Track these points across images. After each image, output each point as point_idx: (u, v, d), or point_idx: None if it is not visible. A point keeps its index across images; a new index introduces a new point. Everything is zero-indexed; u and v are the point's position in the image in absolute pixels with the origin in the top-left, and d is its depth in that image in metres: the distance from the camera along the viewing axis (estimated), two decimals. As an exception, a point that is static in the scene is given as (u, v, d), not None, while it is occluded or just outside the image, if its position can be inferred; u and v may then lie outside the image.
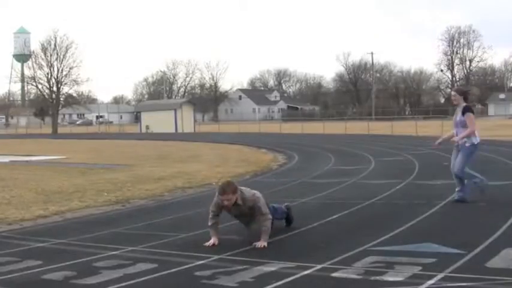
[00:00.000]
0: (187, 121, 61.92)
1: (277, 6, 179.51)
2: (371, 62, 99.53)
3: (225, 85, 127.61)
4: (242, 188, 6.94)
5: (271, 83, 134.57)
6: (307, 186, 9.92)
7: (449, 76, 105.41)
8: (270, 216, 6.80)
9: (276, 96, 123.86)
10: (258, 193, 7.00)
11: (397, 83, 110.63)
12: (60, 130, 70.65)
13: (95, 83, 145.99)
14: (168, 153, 24.59)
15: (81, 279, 5.37)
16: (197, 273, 5.47)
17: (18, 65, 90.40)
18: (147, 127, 62.20)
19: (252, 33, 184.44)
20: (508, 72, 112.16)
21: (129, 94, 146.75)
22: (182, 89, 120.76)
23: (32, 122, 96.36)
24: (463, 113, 9.01)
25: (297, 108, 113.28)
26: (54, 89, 72.18)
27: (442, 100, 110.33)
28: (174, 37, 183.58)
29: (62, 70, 71.79)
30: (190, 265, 5.78)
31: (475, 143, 9.13)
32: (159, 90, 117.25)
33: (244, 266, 5.62)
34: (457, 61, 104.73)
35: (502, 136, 30.24)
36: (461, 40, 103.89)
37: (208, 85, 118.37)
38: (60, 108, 75.84)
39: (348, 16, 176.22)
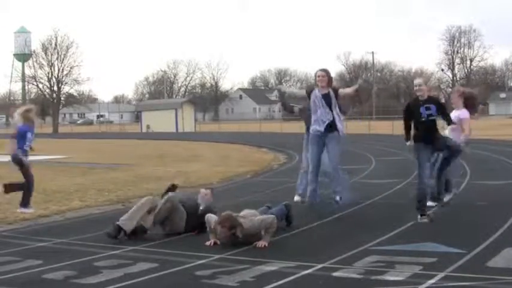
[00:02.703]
0: (188, 120, 61.93)
1: (277, 6, 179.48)
2: (372, 61, 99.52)
3: (225, 84, 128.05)
4: (241, 216, 6.74)
5: (272, 82, 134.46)
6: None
7: (450, 75, 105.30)
8: (273, 217, 6.78)
9: (276, 96, 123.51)
10: (255, 214, 6.92)
11: (398, 82, 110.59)
12: (60, 129, 70.64)
13: (95, 82, 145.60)
14: (168, 152, 24.59)
15: (81, 278, 5.37)
16: (198, 272, 5.47)
17: (19, 64, 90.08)
18: (148, 126, 62.23)
19: (252, 32, 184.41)
20: (509, 72, 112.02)
21: (129, 93, 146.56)
22: (183, 89, 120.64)
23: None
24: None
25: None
26: (55, 88, 72.22)
27: (443, 100, 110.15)
28: (175, 37, 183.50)
29: (62, 69, 71.88)
30: (191, 264, 5.78)
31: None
32: (160, 90, 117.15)
33: (245, 266, 5.62)
34: (457, 60, 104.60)
35: (502, 135, 30.25)
36: (462, 39, 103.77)
37: (209, 84, 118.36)
38: (61, 107, 75.87)
39: (348, 16, 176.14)
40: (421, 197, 7.67)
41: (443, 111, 7.92)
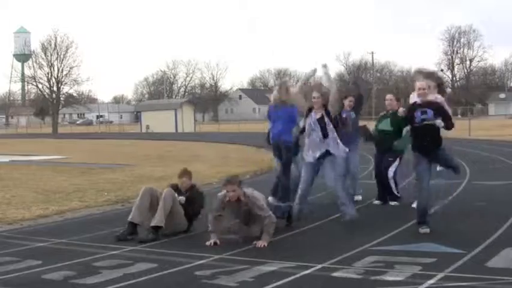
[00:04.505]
0: (187, 121, 61.93)
1: (277, 6, 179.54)
2: (371, 61, 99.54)
3: (225, 85, 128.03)
4: (244, 188, 6.97)
5: (272, 82, 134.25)
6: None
7: (450, 76, 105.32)
8: (273, 216, 6.80)
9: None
10: (258, 193, 7.04)
11: (398, 82, 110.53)
12: (60, 130, 70.64)
13: (95, 82, 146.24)
14: (168, 153, 24.58)
15: (81, 279, 5.37)
16: (197, 272, 5.47)
17: (18, 64, 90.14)
18: (148, 127, 62.22)
19: (252, 32, 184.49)
20: (509, 72, 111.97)
21: (129, 94, 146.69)
22: (182, 89, 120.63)
23: (32, 122, 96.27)
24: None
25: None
26: (55, 88, 72.18)
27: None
28: (174, 37, 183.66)
29: (62, 70, 71.84)
30: (191, 265, 5.78)
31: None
32: (160, 90, 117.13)
33: (245, 266, 5.62)
34: (457, 61, 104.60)
35: (502, 136, 30.25)
36: (462, 40, 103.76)
37: (208, 85, 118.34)
38: (60, 108, 75.81)
39: (347, 16, 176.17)
40: (421, 210, 7.10)
41: (444, 115, 7.11)
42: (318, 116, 7.80)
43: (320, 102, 7.74)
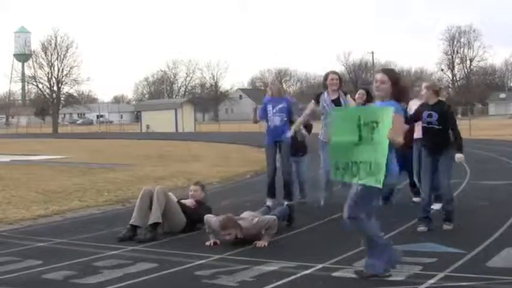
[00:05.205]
0: (187, 121, 61.92)
1: (277, 6, 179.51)
2: (371, 61, 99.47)
3: (225, 84, 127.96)
4: (242, 217, 6.81)
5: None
6: (307, 186, 9.91)
7: (450, 75, 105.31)
8: (274, 218, 6.78)
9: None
10: (255, 215, 6.90)
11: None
12: (60, 130, 70.64)
13: (95, 82, 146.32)
14: (168, 152, 24.58)
15: (81, 278, 5.37)
16: (197, 272, 5.47)
17: (18, 64, 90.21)
18: (148, 126, 62.22)
19: (252, 32, 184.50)
20: (509, 72, 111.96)
21: (129, 93, 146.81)
22: (183, 89, 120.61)
23: (33, 122, 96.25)
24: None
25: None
26: (55, 88, 72.16)
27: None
28: (175, 37, 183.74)
29: (62, 69, 71.81)
30: (191, 264, 5.78)
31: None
32: (160, 90, 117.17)
33: (245, 266, 5.62)
34: (457, 60, 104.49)
35: (502, 135, 30.24)
36: (462, 39, 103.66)
37: (208, 85, 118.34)
38: (60, 107, 75.79)
39: (348, 16, 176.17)
40: (423, 207, 7.18)
41: (449, 121, 7.10)
42: (334, 97, 8.11)
43: (337, 84, 8.11)
